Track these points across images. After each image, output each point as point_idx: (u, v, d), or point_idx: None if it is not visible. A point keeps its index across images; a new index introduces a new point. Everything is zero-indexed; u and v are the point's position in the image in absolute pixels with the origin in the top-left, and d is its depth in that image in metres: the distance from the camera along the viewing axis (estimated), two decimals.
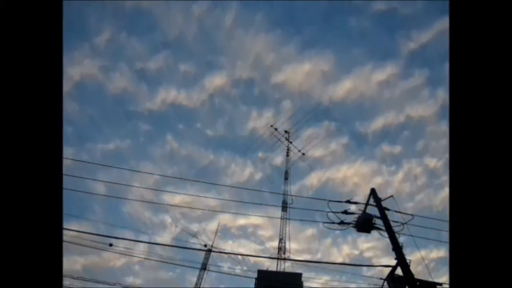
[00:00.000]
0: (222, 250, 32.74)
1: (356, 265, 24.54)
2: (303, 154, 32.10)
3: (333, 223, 11.59)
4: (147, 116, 78.70)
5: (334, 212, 11.60)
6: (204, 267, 29.67)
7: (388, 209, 11.34)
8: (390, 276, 9.76)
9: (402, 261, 9.70)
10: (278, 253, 27.30)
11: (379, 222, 11.16)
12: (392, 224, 10.84)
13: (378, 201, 11.54)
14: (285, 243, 27.58)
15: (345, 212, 11.64)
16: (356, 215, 11.56)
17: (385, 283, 9.91)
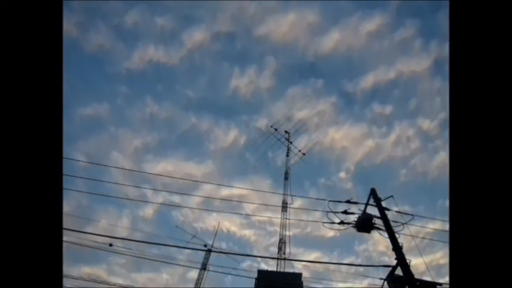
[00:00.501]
0: (222, 250, 32.69)
1: (356, 265, 24.48)
2: (304, 154, 32.09)
3: (333, 223, 11.60)
4: (125, 76, 74.94)
5: (334, 212, 11.61)
6: (204, 267, 29.68)
7: (388, 209, 11.35)
8: (390, 276, 9.76)
9: (402, 261, 9.70)
10: (278, 253, 27.30)
11: (379, 222, 11.18)
12: (392, 224, 10.85)
13: (378, 201, 11.55)
14: (285, 243, 27.57)
15: (345, 212, 11.65)
16: (356, 215, 11.58)
17: (385, 283, 9.91)
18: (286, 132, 32.14)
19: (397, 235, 10.51)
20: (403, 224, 11.04)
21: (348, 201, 11.86)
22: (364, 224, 11.33)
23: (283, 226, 27.88)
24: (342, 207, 11.79)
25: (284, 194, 28.20)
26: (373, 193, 11.86)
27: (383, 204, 11.46)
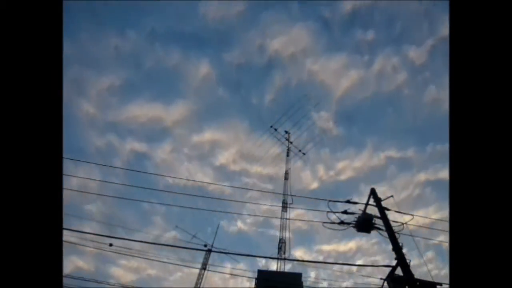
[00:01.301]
0: (222, 250, 32.73)
1: (356, 265, 24.53)
2: (304, 154, 32.11)
3: (333, 223, 11.60)
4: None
5: (334, 212, 11.61)
6: (204, 267, 29.70)
7: (388, 209, 11.36)
8: (390, 276, 9.76)
9: (402, 261, 9.70)
10: (278, 253, 27.30)
11: (379, 222, 11.18)
12: (392, 224, 10.86)
13: (378, 201, 11.56)
14: (285, 243, 27.57)
15: (345, 212, 11.65)
16: (356, 215, 11.58)
17: (385, 283, 9.91)
18: (286, 132, 32.20)
19: (397, 235, 10.52)
20: (403, 224, 11.05)
21: (348, 201, 11.87)
22: (364, 224, 11.34)
23: (283, 226, 27.89)
24: (342, 207, 11.81)
25: (284, 194, 28.21)
26: (373, 193, 11.87)
27: (383, 204, 11.48)
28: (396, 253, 9.93)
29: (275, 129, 31.87)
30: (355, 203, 11.85)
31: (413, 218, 11.29)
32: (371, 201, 11.74)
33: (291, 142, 32.15)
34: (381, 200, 11.56)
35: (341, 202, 11.93)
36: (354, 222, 11.51)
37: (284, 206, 27.51)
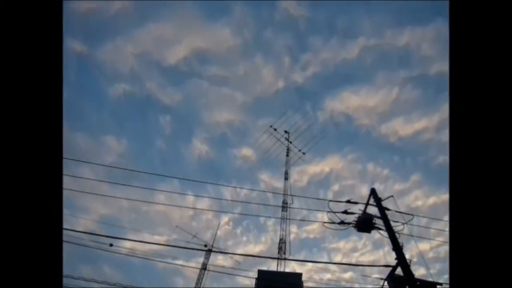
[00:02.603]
0: (222, 250, 32.75)
1: (356, 265, 24.51)
2: (304, 153, 32.11)
3: (333, 223, 11.60)
4: None
5: (334, 212, 11.61)
6: (204, 267, 29.69)
7: (388, 209, 11.35)
8: (390, 276, 9.76)
9: (402, 261, 9.69)
10: (279, 253, 27.29)
11: (379, 222, 11.18)
12: (392, 224, 10.86)
13: (378, 201, 11.56)
14: (285, 243, 27.55)
15: (345, 212, 11.65)
16: (357, 215, 11.58)
17: (385, 283, 9.91)
18: (285, 132, 32.20)
19: (397, 235, 10.52)
20: (403, 224, 11.05)
21: (348, 201, 11.87)
22: (365, 224, 11.34)
23: (282, 226, 27.87)
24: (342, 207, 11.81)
25: (284, 194, 28.20)
26: (373, 193, 11.87)
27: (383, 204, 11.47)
28: (396, 253, 9.93)
29: (275, 129, 31.88)
30: (355, 203, 11.84)
31: (413, 218, 11.29)
32: (371, 201, 11.74)
33: (290, 142, 32.15)
34: (381, 200, 11.56)
35: (341, 202, 11.94)
36: (354, 222, 11.51)
37: (284, 206, 27.50)
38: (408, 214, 11.35)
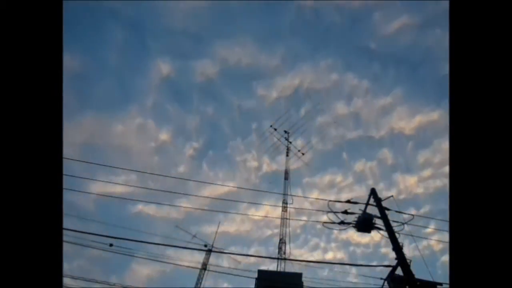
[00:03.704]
0: (222, 250, 32.75)
1: (356, 265, 24.54)
2: (303, 154, 32.12)
3: (334, 223, 11.61)
4: None
5: (334, 212, 11.62)
6: (204, 267, 29.70)
7: (388, 209, 11.36)
8: (390, 276, 9.77)
9: (402, 261, 9.70)
10: (279, 253, 27.32)
11: (379, 222, 11.19)
12: (392, 224, 10.86)
13: (378, 201, 11.56)
14: (285, 243, 27.58)
15: (345, 212, 11.65)
16: (357, 215, 11.59)
17: (385, 283, 9.91)
18: (285, 132, 32.21)
19: (397, 235, 10.53)
20: (403, 224, 11.06)
21: (348, 201, 11.87)
22: (365, 224, 11.35)
23: (283, 226, 27.90)
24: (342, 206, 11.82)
25: (284, 194, 28.21)
26: (373, 193, 11.88)
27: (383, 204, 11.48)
28: (396, 253, 9.93)
29: (275, 129, 31.88)
30: (355, 203, 11.85)
31: (413, 218, 11.29)
32: (371, 201, 11.75)
33: (290, 142, 32.16)
34: (381, 200, 11.57)
35: (341, 202, 11.95)
36: (354, 222, 11.51)
37: (284, 206, 27.52)
38: (408, 214, 11.36)
